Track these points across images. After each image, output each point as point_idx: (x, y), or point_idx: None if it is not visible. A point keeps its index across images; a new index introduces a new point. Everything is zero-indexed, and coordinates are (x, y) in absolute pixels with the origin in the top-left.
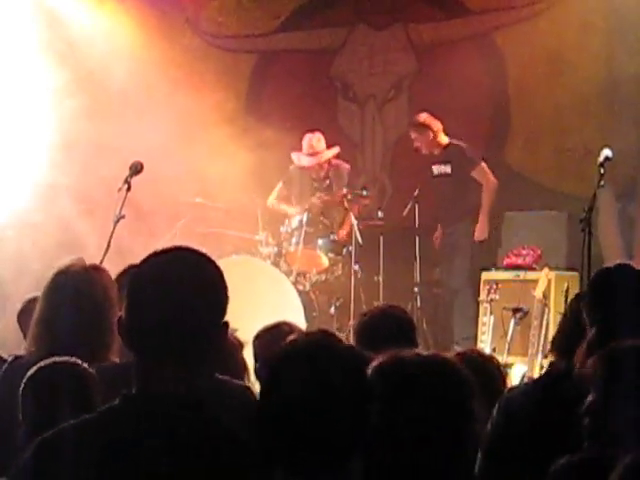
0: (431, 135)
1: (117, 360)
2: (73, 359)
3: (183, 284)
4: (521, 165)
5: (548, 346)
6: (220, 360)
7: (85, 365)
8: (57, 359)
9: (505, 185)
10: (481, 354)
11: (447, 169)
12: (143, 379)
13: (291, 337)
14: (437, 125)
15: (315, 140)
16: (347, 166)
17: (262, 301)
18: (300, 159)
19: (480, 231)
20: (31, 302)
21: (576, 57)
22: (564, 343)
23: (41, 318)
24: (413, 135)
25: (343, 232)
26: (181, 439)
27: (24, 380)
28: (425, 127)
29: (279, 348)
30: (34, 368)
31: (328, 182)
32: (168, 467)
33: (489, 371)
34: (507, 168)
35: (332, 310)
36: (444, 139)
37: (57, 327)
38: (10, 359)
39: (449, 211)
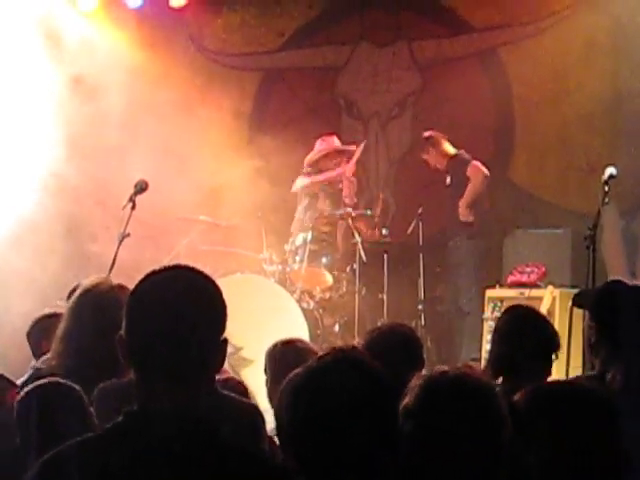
0: (434, 151)
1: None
2: (64, 381)
3: (179, 302)
4: (525, 182)
5: None
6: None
7: (76, 387)
8: (48, 380)
9: (509, 202)
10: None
11: (447, 180)
12: (143, 396)
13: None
14: (439, 138)
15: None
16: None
17: (266, 319)
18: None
19: (463, 212)
20: (40, 320)
21: (581, 74)
22: (505, 363)
23: (64, 334)
24: (423, 156)
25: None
26: (183, 454)
27: (16, 402)
28: (427, 142)
29: (306, 363)
30: (22, 392)
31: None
32: None
33: None
34: (511, 185)
35: (336, 328)
36: (450, 150)
37: (79, 344)
38: (30, 372)
39: (449, 222)
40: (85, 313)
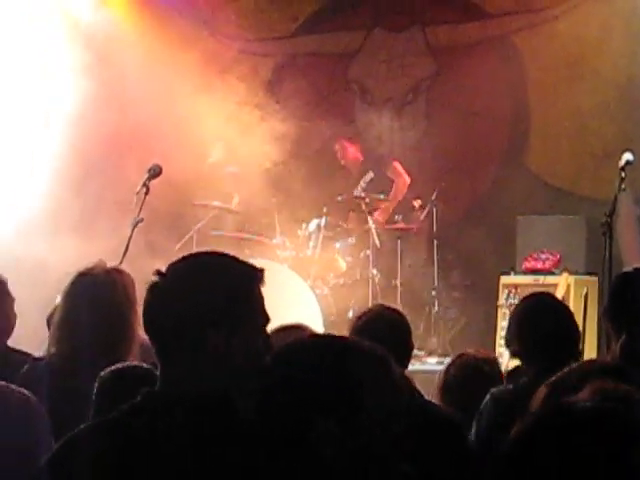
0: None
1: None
2: None
3: (204, 287)
4: (540, 168)
5: None
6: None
7: None
8: None
9: (524, 188)
10: (476, 355)
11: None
12: (162, 378)
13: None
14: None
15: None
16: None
17: (280, 305)
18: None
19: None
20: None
21: (596, 60)
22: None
23: (62, 320)
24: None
25: (379, 218)
26: (202, 434)
27: None
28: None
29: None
30: None
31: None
32: (185, 464)
33: (484, 372)
34: (526, 171)
35: (350, 314)
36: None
37: (77, 329)
38: (30, 361)
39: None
40: (81, 297)
